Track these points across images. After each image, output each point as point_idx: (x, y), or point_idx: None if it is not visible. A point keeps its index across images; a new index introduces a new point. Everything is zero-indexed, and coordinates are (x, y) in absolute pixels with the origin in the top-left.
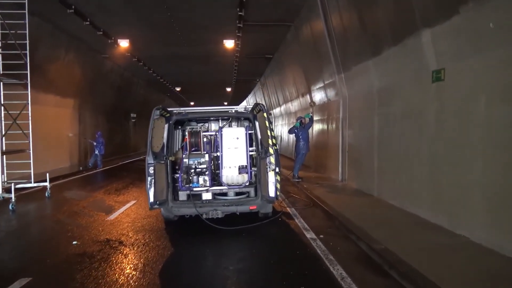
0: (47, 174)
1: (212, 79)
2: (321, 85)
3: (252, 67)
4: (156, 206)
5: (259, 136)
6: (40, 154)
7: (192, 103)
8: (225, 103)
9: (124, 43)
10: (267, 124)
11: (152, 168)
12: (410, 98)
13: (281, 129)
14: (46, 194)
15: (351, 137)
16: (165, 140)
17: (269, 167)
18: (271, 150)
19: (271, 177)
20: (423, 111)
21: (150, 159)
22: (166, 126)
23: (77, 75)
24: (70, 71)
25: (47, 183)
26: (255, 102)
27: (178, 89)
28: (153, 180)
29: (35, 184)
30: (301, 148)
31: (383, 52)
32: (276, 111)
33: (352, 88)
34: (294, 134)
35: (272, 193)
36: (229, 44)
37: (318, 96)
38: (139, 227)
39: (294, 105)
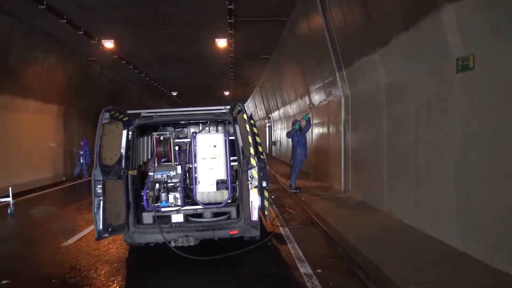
0: (10, 189)
1: (208, 82)
2: (320, 84)
3: (249, 69)
4: (106, 235)
5: (240, 144)
6: (17, 164)
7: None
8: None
9: (108, 44)
10: (248, 129)
11: (100, 186)
12: (427, 94)
13: (280, 134)
14: (9, 211)
15: (355, 141)
16: (123, 150)
17: (250, 183)
18: (253, 161)
19: (253, 196)
20: (446, 109)
21: (97, 175)
22: (125, 132)
23: (60, 79)
24: (53, 74)
25: (9, 199)
26: (234, 102)
27: (174, 93)
28: (101, 201)
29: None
30: (298, 154)
31: (391, 41)
32: (275, 114)
33: (355, 86)
34: (291, 139)
35: (254, 216)
36: (221, 43)
37: (318, 97)
38: (95, 256)
39: (292, 108)
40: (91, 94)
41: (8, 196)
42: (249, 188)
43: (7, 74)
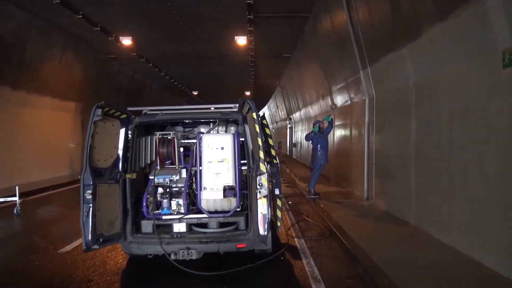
0: (16, 188)
1: (229, 82)
2: (343, 84)
3: (270, 69)
4: (95, 246)
5: (250, 146)
6: (32, 162)
7: None
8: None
9: (126, 41)
10: (257, 129)
11: (90, 191)
12: (465, 92)
13: (301, 135)
14: (15, 211)
15: (380, 144)
16: (121, 151)
17: (259, 192)
18: (262, 167)
19: (262, 207)
20: (488, 110)
21: (87, 179)
22: (122, 131)
23: (78, 76)
24: (70, 71)
25: (16, 198)
26: (242, 100)
27: (195, 93)
28: (90, 208)
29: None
30: (318, 158)
31: (422, 34)
32: (296, 115)
33: (380, 85)
34: (311, 141)
35: (262, 229)
36: (241, 41)
37: (340, 97)
38: (90, 266)
39: (314, 109)
40: (109, 92)
41: (15, 196)
42: (258, 197)
43: (23, 70)
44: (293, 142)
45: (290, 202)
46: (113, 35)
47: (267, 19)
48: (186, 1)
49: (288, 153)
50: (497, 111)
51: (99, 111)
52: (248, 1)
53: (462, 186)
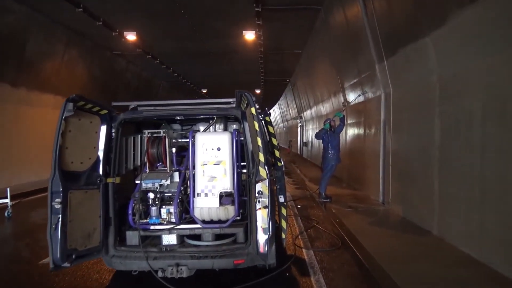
0: (8, 190)
1: (238, 79)
2: (356, 79)
3: (280, 65)
4: (66, 264)
5: (250, 147)
6: (34, 161)
7: None
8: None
9: (131, 36)
10: (257, 127)
11: (59, 200)
12: (504, 87)
13: (312, 134)
14: (6, 214)
15: (397, 145)
16: (101, 152)
17: (258, 201)
18: (262, 172)
19: (261, 219)
20: None
21: (55, 185)
22: (103, 129)
23: (83, 73)
24: (74, 68)
25: (7, 200)
26: (239, 92)
27: (204, 91)
28: (59, 220)
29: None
30: (329, 158)
31: (449, 20)
32: (307, 113)
33: (398, 80)
34: (321, 140)
35: (262, 247)
36: (249, 36)
37: (352, 94)
38: (69, 282)
39: (325, 107)
40: (116, 90)
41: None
42: (256, 208)
43: (23, 67)
44: (304, 141)
45: (299, 206)
46: (117, 30)
47: (276, 11)
48: None
49: (298, 153)
50: None
51: (71, 105)
52: None
53: (499, 194)
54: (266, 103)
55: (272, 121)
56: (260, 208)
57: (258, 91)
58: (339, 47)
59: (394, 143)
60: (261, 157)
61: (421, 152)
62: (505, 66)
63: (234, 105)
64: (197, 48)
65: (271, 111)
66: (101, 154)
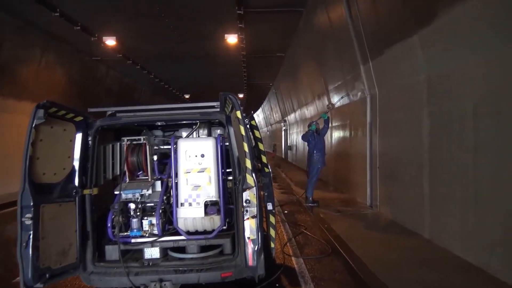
0: None
1: (221, 84)
2: (341, 82)
3: (263, 69)
4: (39, 285)
5: (236, 153)
6: (12, 171)
7: None
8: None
9: (110, 41)
10: (243, 132)
11: (31, 215)
12: (497, 85)
13: (296, 138)
14: None
15: (384, 147)
16: (76, 162)
17: (246, 211)
18: (249, 179)
19: (249, 230)
20: None
21: (25, 199)
22: (79, 137)
23: (62, 79)
24: (53, 74)
25: None
26: (223, 95)
27: (187, 96)
28: (30, 237)
29: None
30: (315, 161)
31: (438, 17)
32: (291, 117)
33: (384, 81)
34: (307, 143)
35: (251, 259)
36: (232, 39)
37: (337, 96)
38: None
39: (309, 110)
40: (97, 96)
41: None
42: (244, 217)
43: None
44: (288, 145)
45: (286, 211)
46: (96, 35)
47: (258, 14)
48: None
49: (283, 156)
50: None
51: (41, 112)
52: None
53: (493, 196)
54: (250, 107)
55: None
56: (248, 218)
57: (241, 95)
58: (323, 49)
59: (381, 145)
60: (248, 163)
61: (409, 154)
62: (496, 64)
63: (218, 109)
64: (179, 52)
65: (255, 115)
66: (76, 164)
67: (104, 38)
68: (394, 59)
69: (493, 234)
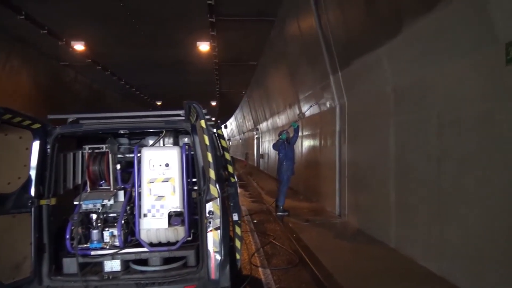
0: None
1: (193, 91)
2: (311, 91)
3: (235, 77)
4: None
5: (201, 162)
6: None
7: None
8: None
9: (78, 46)
10: (207, 141)
11: None
12: (459, 95)
13: (268, 146)
14: None
15: (353, 156)
16: (33, 171)
17: (209, 222)
18: (213, 190)
19: (212, 242)
20: (490, 115)
21: None
22: (36, 145)
23: (27, 85)
24: (16, 80)
25: None
26: (188, 103)
27: (159, 103)
28: None
29: None
30: (285, 170)
31: (404, 29)
32: (263, 125)
33: (353, 91)
34: (278, 152)
35: (214, 272)
36: (204, 47)
37: (308, 105)
38: None
39: (281, 119)
40: (64, 103)
41: None
42: (207, 229)
43: None
44: (261, 153)
45: (255, 221)
46: (63, 39)
47: (230, 22)
48: (142, 1)
49: (255, 165)
50: (500, 116)
51: None
52: (209, 2)
53: (457, 206)
54: (223, 115)
55: (229, 133)
56: (211, 230)
57: (214, 103)
58: (294, 59)
59: (350, 154)
60: (212, 173)
61: (377, 163)
62: (456, 75)
63: (184, 118)
64: (150, 58)
65: (228, 123)
66: (33, 173)
67: (72, 42)
68: (363, 69)
69: (454, 243)
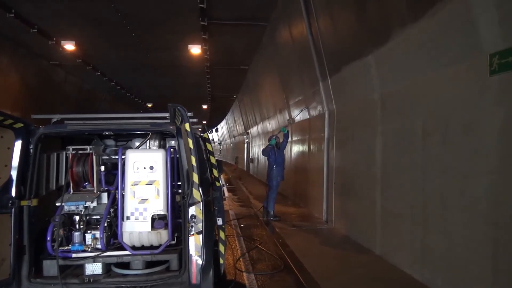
0: None
1: (185, 94)
2: (301, 97)
3: (227, 81)
4: None
5: (185, 165)
6: None
7: None
8: (204, 122)
9: (69, 46)
10: (191, 144)
11: None
12: (444, 105)
13: (258, 150)
14: None
15: (340, 163)
16: (14, 171)
17: (191, 226)
18: (196, 194)
19: (193, 246)
20: (475, 125)
21: None
22: (18, 145)
23: (16, 84)
24: (5, 79)
25: None
26: (173, 106)
27: (149, 105)
28: None
29: None
30: (274, 175)
31: (391, 38)
32: (253, 130)
33: (341, 98)
34: (268, 157)
35: (195, 277)
36: (195, 50)
37: (298, 111)
38: None
39: (271, 123)
40: (54, 103)
41: None
42: (189, 233)
43: None
44: (250, 157)
45: (242, 225)
46: (54, 38)
47: (222, 26)
48: (133, 3)
49: (245, 169)
50: (484, 126)
51: None
52: (201, 5)
53: (440, 215)
54: (214, 119)
55: (220, 137)
56: (193, 234)
57: (205, 106)
58: (285, 64)
59: (338, 160)
60: (195, 177)
61: (363, 170)
62: (445, 84)
63: (167, 120)
64: (141, 60)
65: (219, 126)
66: (14, 173)
67: (62, 42)
68: (351, 76)
69: (437, 251)
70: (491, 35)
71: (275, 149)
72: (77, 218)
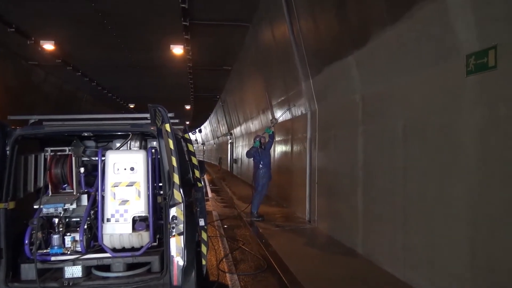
0: None
1: (167, 94)
2: (284, 97)
3: (210, 81)
4: None
5: (166, 166)
6: None
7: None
8: (187, 122)
9: (48, 46)
10: (171, 145)
11: None
12: (422, 106)
13: (241, 151)
14: None
15: (323, 163)
16: None
17: (172, 228)
18: (177, 195)
19: (174, 248)
20: (452, 125)
21: None
22: None
23: None
24: None
25: None
26: (153, 106)
27: (132, 106)
28: None
29: None
30: (261, 176)
31: (371, 39)
32: (237, 130)
33: (324, 98)
34: (252, 158)
35: (176, 279)
36: (177, 50)
37: (281, 111)
38: None
39: (254, 124)
40: (34, 104)
41: None
42: (170, 234)
43: None
44: (234, 158)
45: (225, 226)
46: (32, 38)
47: (204, 26)
48: (114, 2)
49: (229, 169)
50: (462, 127)
51: None
52: (183, 5)
53: (420, 214)
54: (197, 120)
55: (203, 137)
56: (174, 235)
57: (188, 107)
58: (268, 65)
59: (320, 160)
60: (176, 178)
61: (346, 171)
62: (423, 84)
63: (148, 120)
64: (123, 60)
65: (202, 127)
66: None
67: (41, 42)
68: (333, 77)
69: (418, 251)
70: (468, 36)
71: (259, 150)
72: (56, 220)
